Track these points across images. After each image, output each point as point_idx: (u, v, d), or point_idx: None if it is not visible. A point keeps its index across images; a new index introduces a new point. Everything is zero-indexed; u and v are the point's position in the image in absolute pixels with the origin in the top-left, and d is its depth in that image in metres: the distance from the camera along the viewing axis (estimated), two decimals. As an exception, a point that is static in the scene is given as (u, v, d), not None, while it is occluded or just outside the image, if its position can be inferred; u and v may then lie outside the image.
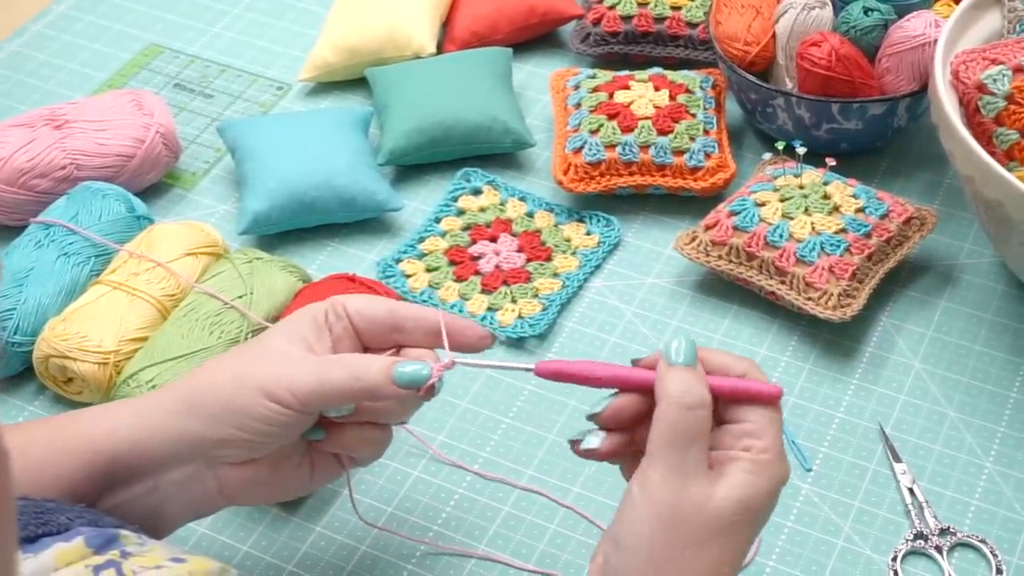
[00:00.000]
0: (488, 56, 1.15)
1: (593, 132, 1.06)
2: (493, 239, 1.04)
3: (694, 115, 1.07)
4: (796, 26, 1.06)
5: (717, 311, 1.00)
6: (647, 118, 1.06)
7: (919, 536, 0.84)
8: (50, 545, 0.60)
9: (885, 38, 1.04)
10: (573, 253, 1.03)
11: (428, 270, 1.03)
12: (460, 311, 0.99)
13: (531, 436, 0.92)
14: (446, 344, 0.71)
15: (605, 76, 1.11)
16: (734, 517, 0.63)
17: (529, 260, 1.03)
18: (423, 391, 0.70)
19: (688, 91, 1.09)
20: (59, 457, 0.70)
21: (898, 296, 1.00)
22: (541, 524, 0.86)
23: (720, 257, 0.98)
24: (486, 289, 1.00)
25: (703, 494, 0.63)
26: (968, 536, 0.84)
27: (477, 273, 1.02)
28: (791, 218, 0.97)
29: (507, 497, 0.88)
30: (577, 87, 1.11)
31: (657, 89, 1.08)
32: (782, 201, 0.99)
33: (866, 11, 1.04)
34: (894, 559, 0.83)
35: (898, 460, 0.89)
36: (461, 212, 1.07)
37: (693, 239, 1.00)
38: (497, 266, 1.02)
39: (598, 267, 1.03)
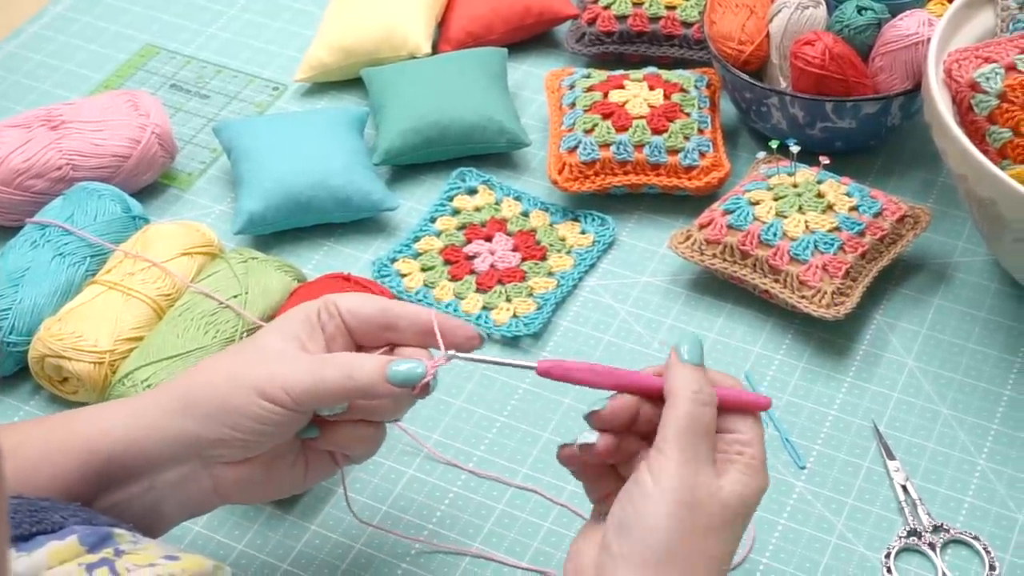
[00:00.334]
0: (483, 56, 1.15)
1: (587, 131, 1.06)
2: (488, 238, 1.04)
3: (688, 114, 1.07)
4: (790, 25, 1.06)
5: (711, 310, 1.00)
6: (641, 117, 1.06)
7: (912, 533, 0.85)
8: (44, 543, 0.60)
9: (879, 37, 1.04)
10: (568, 252, 1.04)
11: (423, 269, 1.03)
12: (455, 310, 0.99)
13: (525, 435, 0.92)
14: (440, 344, 0.71)
15: (600, 76, 1.11)
16: (739, 509, 0.66)
17: (524, 259, 1.03)
18: (417, 389, 0.70)
19: (682, 90, 1.09)
20: (54, 457, 0.70)
21: (892, 294, 1.00)
22: (535, 522, 0.87)
23: (714, 256, 0.98)
24: (481, 288, 1.01)
25: (715, 484, 0.65)
26: (961, 533, 0.84)
27: (472, 272, 1.02)
28: (785, 217, 0.97)
29: (501, 496, 0.88)
30: (572, 87, 1.11)
31: (651, 88, 1.08)
32: (776, 200, 0.99)
33: (860, 10, 1.05)
34: (887, 556, 0.83)
35: (891, 457, 0.89)
36: (456, 212, 1.07)
37: (687, 238, 1.00)
38: (492, 265, 1.02)
39: (593, 266, 1.03)
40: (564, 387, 0.94)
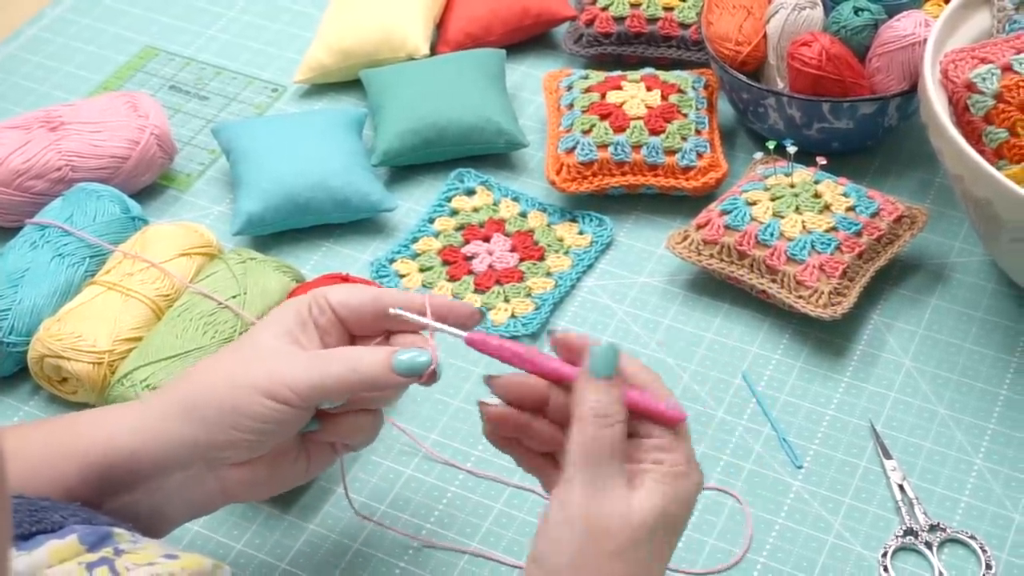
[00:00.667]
0: (482, 57, 1.16)
1: (585, 132, 1.06)
2: (486, 239, 1.05)
3: (686, 115, 1.07)
4: (787, 26, 1.06)
5: (709, 310, 1.00)
6: (639, 118, 1.06)
7: (909, 532, 0.85)
8: (44, 542, 0.60)
9: (875, 38, 1.05)
10: (566, 252, 1.04)
11: (422, 270, 1.03)
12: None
13: (524, 434, 0.92)
14: (454, 330, 0.71)
15: (597, 77, 1.12)
16: (655, 523, 0.63)
17: (522, 260, 1.03)
18: (425, 377, 0.70)
19: (680, 91, 1.09)
20: (55, 461, 0.70)
21: (889, 294, 1.01)
22: (533, 522, 0.87)
23: (711, 256, 0.98)
24: (479, 289, 1.01)
25: (623, 505, 0.63)
26: (958, 532, 0.85)
27: (470, 273, 1.02)
28: (782, 217, 0.98)
29: (499, 495, 0.89)
30: (570, 88, 1.12)
31: (649, 89, 1.09)
32: (773, 200, 0.99)
33: (856, 11, 1.05)
34: (884, 555, 0.84)
35: (888, 457, 0.89)
36: (455, 212, 1.07)
37: (685, 238, 1.00)
38: (490, 266, 1.03)
39: (590, 266, 1.04)
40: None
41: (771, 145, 1.03)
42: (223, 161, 1.13)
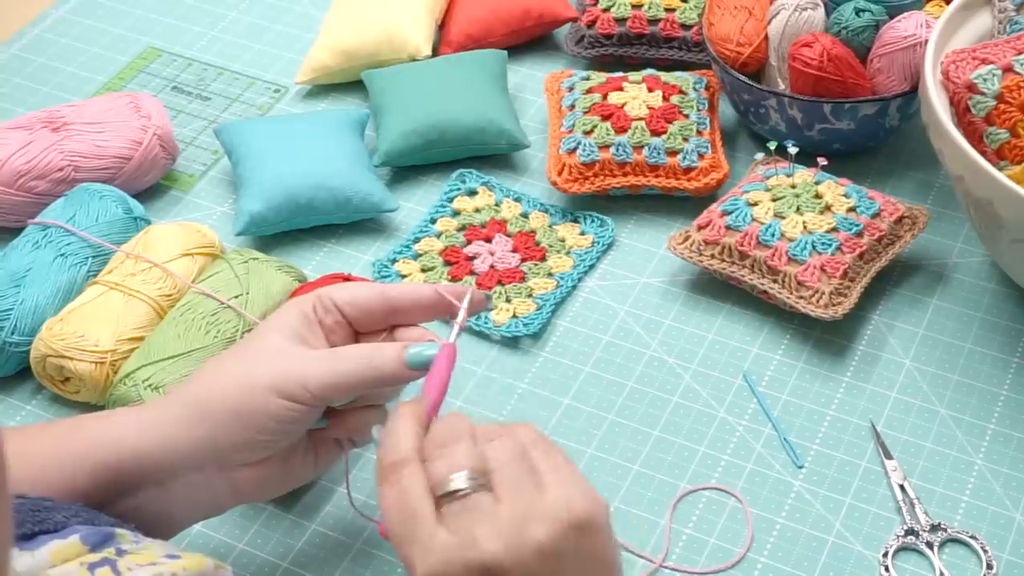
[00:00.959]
0: (483, 58, 1.16)
1: (587, 133, 1.06)
2: (488, 239, 1.05)
3: (687, 116, 1.07)
4: (788, 27, 1.06)
5: (710, 310, 1.00)
6: (641, 119, 1.07)
7: (910, 532, 0.85)
8: (46, 542, 0.60)
9: (877, 39, 1.05)
10: (567, 253, 1.04)
11: (423, 270, 1.03)
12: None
13: (525, 434, 0.92)
14: (463, 312, 0.71)
15: (599, 78, 1.12)
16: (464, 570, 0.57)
17: (524, 260, 1.03)
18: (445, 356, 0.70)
19: (681, 92, 1.09)
20: (64, 462, 0.70)
21: (890, 295, 1.01)
22: (535, 521, 0.87)
23: (713, 256, 0.99)
24: (481, 289, 1.01)
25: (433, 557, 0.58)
26: (959, 532, 0.85)
27: (472, 273, 1.03)
28: (783, 217, 0.98)
29: (501, 495, 0.89)
30: (571, 89, 1.12)
31: (650, 90, 1.09)
32: (774, 201, 0.99)
33: (857, 12, 1.05)
34: (885, 555, 0.84)
35: (889, 457, 0.90)
36: (456, 213, 1.08)
37: (686, 239, 1.00)
38: (492, 266, 1.03)
39: (592, 267, 1.04)
40: (563, 387, 0.94)
41: (772, 146, 1.03)
42: (225, 162, 1.13)
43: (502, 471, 0.59)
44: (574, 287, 1.02)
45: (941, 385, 0.94)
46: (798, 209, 0.98)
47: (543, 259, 1.04)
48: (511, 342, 0.98)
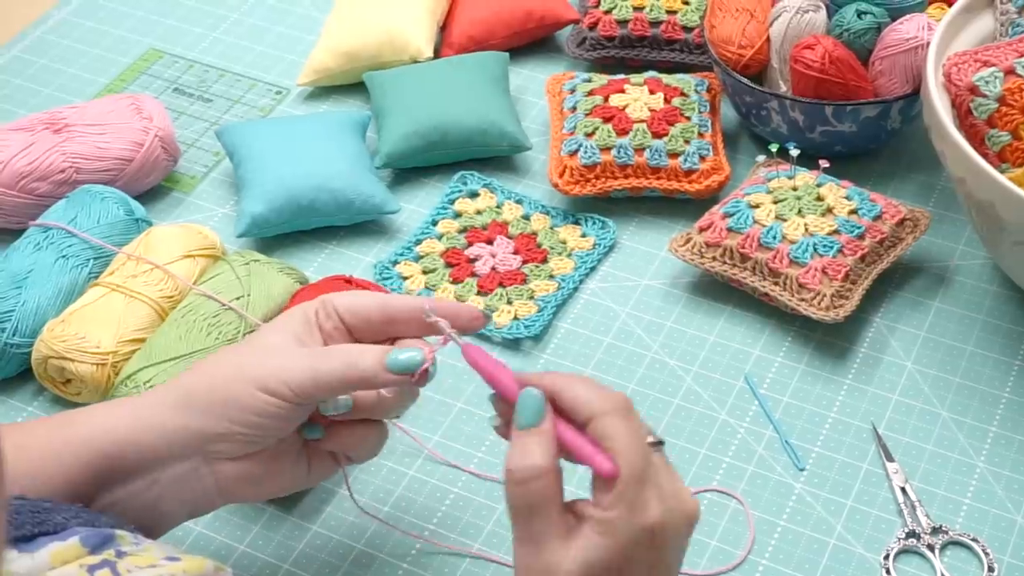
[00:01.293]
0: (485, 60, 1.16)
1: (588, 135, 1.06)
2: (489, 241, 1.05)
3: (689, 118, 1.07)
4: (790, 29, 1.06)
5: (711, 312, 1.00)
6: (642, 121, 1.07)
7: (911, 535, 0.85)
8: (46, 544, 0.60)
9: (878, 41, 1.05)
10: (568, 255, 1.04)
11: (424, 272, 1.03)
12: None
13: (526, 436, 0.92)
14: (449, 329, 0.71)
15: (600, 80, 1.12)
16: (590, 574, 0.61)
17: (525, 262, 1.03)
18: (416, 376, 0.70)
19: (683, 94, 1.09)
20: (59, 452, 0.71)
21: (891, 297, 1.01)
22: (535, 524, 0.87)
23: (714, 259, 0.99)
24: (482, 291, 1.01)
25: (555, 560, 0.62)
26: (960, 535, 0.85)
27: (473, 275, 1.03)
28: (784, 220, 0.98)
29: (502, 497, 0.88)
30: (573, 91, 1.12)
31: (652, 92, 1.09)
32: (776, 203, 0.99)
33: (859, 14, 1.05)
34: (886, 557, 0.84)
35: (891, 459, 0.89)
36: (458, 215, 1.08)
37: (687, 241, 1.00)
38: (493, 268, 1.03)
39: (593, 269, 1.04)
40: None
41: (774, 148, 1.03)
42: (227, 163, 1.13)
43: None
44: (575, 289, 1.02)
45: (943, 388, 0.94)
46: (799, 211, 0.98)
47: (544, 261, 1.03)
48: (512, 344, 0.98)
